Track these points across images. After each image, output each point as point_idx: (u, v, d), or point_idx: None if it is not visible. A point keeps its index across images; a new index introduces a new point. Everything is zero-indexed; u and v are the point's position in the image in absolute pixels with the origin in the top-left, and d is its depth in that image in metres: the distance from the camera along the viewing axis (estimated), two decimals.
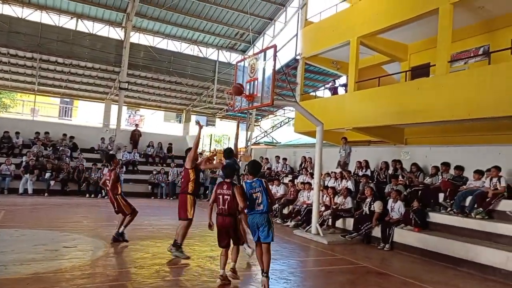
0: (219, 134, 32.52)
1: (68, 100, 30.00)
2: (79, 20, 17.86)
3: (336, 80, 19.05)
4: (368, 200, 9.32)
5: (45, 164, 15.49)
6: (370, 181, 10.80)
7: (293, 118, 20.67)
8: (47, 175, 15.14)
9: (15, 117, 26.89)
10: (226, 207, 5.01)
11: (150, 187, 16.93)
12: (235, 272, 5.30)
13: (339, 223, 10.10)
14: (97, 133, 19.43)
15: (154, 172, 17.20)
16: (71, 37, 17.30)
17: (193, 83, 20.76)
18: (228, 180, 5.11)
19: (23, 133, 17.31)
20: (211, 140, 23.93)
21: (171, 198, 15.95)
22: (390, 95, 11.61)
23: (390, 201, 9.01)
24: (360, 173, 11.72)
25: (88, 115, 29.22)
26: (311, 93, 18.71)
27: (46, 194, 14.77)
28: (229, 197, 4.99)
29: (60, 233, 7.82)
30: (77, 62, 17.93)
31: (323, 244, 8.51)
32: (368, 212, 9.15)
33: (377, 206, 8.98)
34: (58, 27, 17.39)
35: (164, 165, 18.87)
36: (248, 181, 5.05)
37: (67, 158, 16.57)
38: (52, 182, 15.13)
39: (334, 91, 15.92)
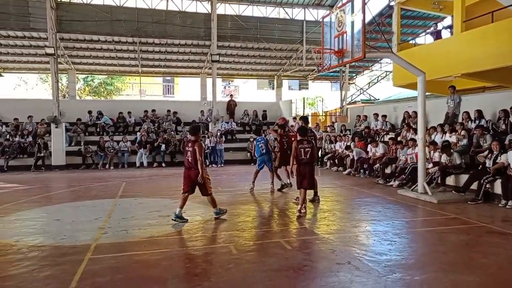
0: (312, 97, 31.90)
1: (169, 78, 32.16)
2: None
3: (438, 23, 17.03)
4: (495, 153, 8.27)
5: (157, 139, 17.04)
6: (486, 133, 9.58)
7: (391, 72, 19.20)
8: (163, 147, 16.65)
9: (126, 98, 29.90)
10: (307, 157, 6.86)
11: (248, 154, 17.52)
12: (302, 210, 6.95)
13: (449, 181, 9.25)
14: (196, 106, 20.57)
15: (251, 140, 17.70)
16: (164, 18, 18.21)
17: (281, 47, 20.45)
18: (306, 138, 7.06)
19: (134, 112, 19.14)
20: (304, 103, 23.60)
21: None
22: (510, 30, 9.93)
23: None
24: (471, 125, 10.47)
25: (187, 90, 31.00)
26: (410, 41, 17.01)
27: (163, 165, 16.37)
28: (310, 149, 6.88)
29: (171, 200, 8.55)
30: (172, 41, 18.88)
31: (431, 204, 7.90)
32: (491, 167, 8.16)
33: (505, 159, 7.93)
34: (152, 9, 18.41)
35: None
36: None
37: (172, 132, 17.95)
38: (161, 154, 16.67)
39: (437, 35, 14.27)
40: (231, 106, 20.70)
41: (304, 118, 8.71)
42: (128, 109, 19.18)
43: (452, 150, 9.33)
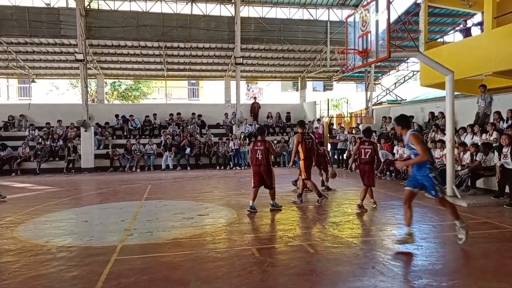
0: (337, 98, 31.54)
1: (194, 81, 32.60)
2: (193, 3, 18.93)
3: (468, 20, 16.49)
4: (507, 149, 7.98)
5: (181, 141, 17.28)
6: None
7: (418, 71, 18.75)
8: (187, 150, 16.86)
9: (152, 102, 30.52)
10: (367, 157, 7.58)
11: (272, 156, 17.45)
12: (362, 206, 7.57)
13: (479, 183, 8.93)
14: (220, 109, 20.76)
15: (275, 142, 17.67)
16: (188, 22, 18.49)
17: (305, 48, 20.35)
18: (369, 140, 7.75)
19: (159, 115, 19.51)
20: (328, 105, 23.37)
21: (292, 166, 16.30)
22: None
23: None
24: (503, 125, 10.08)
25: (212, 93, 31.35)
26: (438, 40, 16.56)
27: (188, 168, 16.62)
28: (370, 150, 7.57)
29: (195, 203, 8.66)
30: (196, 45, 19.15)
31: (461, 207, 7.64)
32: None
33: None
34: (176, 14, 18.74)
35: (284, 134, 19.25)
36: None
37: (197, 135, 18.17)
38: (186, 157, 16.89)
39: (466, 33, 13.82)
40: (254, 109, 20.77)
41: (300, 123, 8.61)
42: (154, 112, 19.58)
43: (490, 150, 8.99)
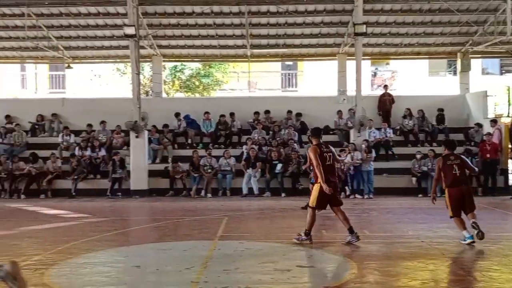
0: None
1: (290, 63, 33.07)
2: None
3: None
4: None
5: (271, 154, 17.58)
6: None
7: None
8: (278, 167, 17.11)
9: (229, 95, 31.53)
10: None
11: (414, 179, 16.96)
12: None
13: None
14: (331, 105, 20.76)
15: (418, 157, 17.12)
16: None
17: (469, 6, 19.45)
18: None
19: (239, 114, 20.16)
20: (510, 96, 22.01)
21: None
22: None
23: None
24: None
25: (317, 80, 31.38)
26: None
27: (282, 195, 16.97)
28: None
29: (293, 247, 8.74)
30: (294, 7, 19.41)
31: None
32: None
33: None
34: None
35: (434, 143, 18.53)
36: None
37: (295, 144, 18.35)
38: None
39: None
40: (384, 103, 20.39)
41: (315, 131, 9.52)
42: (231, 109, 20.28)
43: None
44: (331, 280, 6.71)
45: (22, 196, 16.99)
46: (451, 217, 8.80)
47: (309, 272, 7.20)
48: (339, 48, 22.60)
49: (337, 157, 9.97)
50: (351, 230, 8.71)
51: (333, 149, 9.38)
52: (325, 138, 18.73)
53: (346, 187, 16.72)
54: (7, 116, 20.54)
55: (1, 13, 19.56)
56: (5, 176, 17.38)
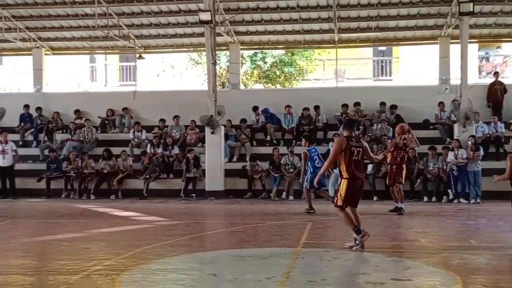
0: None
1: (383, 49, 32.50)
2: None
3: None
4: None
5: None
6: None
7: None
8: (369, 168, 16.90)
9: (314, 85, 31.40)
10: None
11: None
12: None
13: None
14: (431, 95, 20.28)
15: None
16: None
17: None
18: None
19: (325, 107, 20.11)
20: None
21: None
22: None
23: None
24: None
25: (414, 68, 30.69)
26: None
27: (374, 198, 16.93)
28: None
29: (386, 257, 8.66)
30: None
31: None
32: None
33: None
34: None
35: None
36: None
37: (389, 141, 17.99)
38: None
39: None
40: (495, 93, 19.70)
41: (348, 123, 9.81)
42: (316, 102, 20.25)
43: None
44: None
45: (92, 197, 17.74)
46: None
47: (405, 286, 7.06)
48: (441, 30, 21.99)
49: (371, 154, 10.10)
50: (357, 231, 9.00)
51: (366, 144, 9.61)
52: (424, 133, 18.74)
53: (449, 190, 16.43)
54: (76, 111, 21.52)
55: (71, 0, 20.43)
56: (75, 175, 18.22)
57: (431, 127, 19.38)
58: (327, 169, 10.04)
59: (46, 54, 23.89)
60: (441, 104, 19.53)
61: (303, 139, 15.39)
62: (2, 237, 11.41)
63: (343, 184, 8.99)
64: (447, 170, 16.38)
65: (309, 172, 14.01)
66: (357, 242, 8.87)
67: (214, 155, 17.95)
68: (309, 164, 14.06)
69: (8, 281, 7.39)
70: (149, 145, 19.05)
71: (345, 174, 8.91)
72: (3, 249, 9.87)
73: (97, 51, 27.50)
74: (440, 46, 22.51)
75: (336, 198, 9.20)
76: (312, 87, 30.42)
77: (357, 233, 8.90)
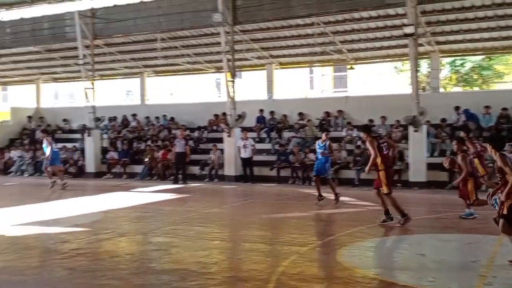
0: None
1: None
2: None
3: None
4: None
5: None
6: None
7: None
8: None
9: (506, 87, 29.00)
10: None
11: None
12: None
13: None
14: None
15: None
16: None
17: None
18: None
19: None
20: None
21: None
22: None
23: None
24: None
25: None
26: None
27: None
28: None
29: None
30: None
31: None
32: None
33: None
34: None
35: None
36: None
37: None
38: None
39: None
40: None
41: (365, 127, 10.47)
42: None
43: None
44: None
45: (313, 184, 18.20)
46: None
47: None
48: None
49: (393, 143, 11.13)
50: (387, 212, 9.70)
51: (389, 140, 10.56)
52: None
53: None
54: (300, 113, 22.32)
55: (295, 24, 21.19)
56: (299, 165, 18.92)
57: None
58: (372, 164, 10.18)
59: (275, 68, 25.00)
60: None
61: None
62: (246, 213, 12.32)
63: (382, 174, 9.83)
64: None
65: None
66: (401, 222, 9.31)
67: (417, 151, 17.36)
68: None
69: (253, 248, 7.98)
70: (359, 141, 19.07)
71: (381, 166, 9.78)
72: (248, 223, 10.67)
73: (315, 64, 28.16)
74: None
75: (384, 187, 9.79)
76: (510, 88, 28.11)
77: (402, 216, 9.35)
